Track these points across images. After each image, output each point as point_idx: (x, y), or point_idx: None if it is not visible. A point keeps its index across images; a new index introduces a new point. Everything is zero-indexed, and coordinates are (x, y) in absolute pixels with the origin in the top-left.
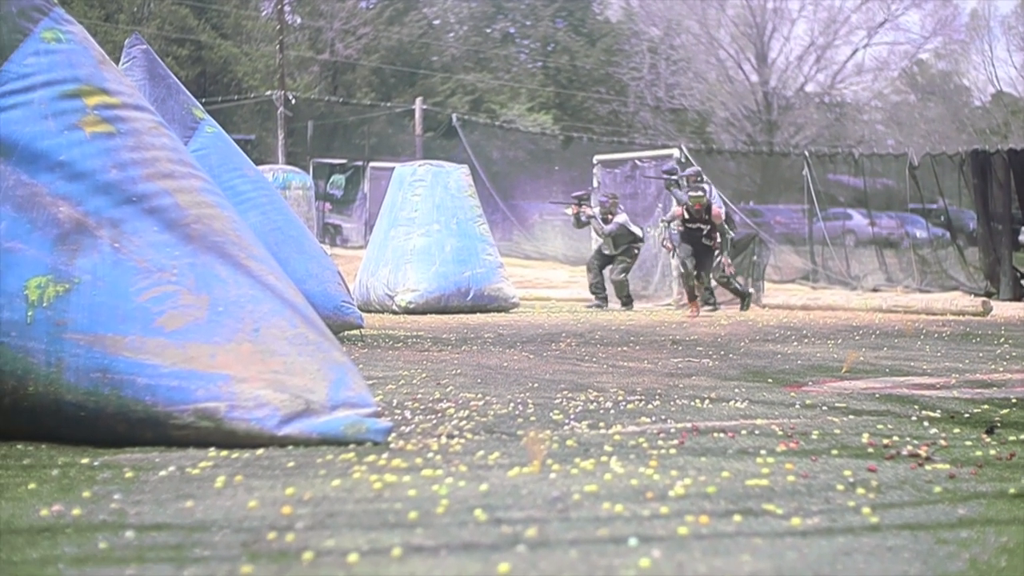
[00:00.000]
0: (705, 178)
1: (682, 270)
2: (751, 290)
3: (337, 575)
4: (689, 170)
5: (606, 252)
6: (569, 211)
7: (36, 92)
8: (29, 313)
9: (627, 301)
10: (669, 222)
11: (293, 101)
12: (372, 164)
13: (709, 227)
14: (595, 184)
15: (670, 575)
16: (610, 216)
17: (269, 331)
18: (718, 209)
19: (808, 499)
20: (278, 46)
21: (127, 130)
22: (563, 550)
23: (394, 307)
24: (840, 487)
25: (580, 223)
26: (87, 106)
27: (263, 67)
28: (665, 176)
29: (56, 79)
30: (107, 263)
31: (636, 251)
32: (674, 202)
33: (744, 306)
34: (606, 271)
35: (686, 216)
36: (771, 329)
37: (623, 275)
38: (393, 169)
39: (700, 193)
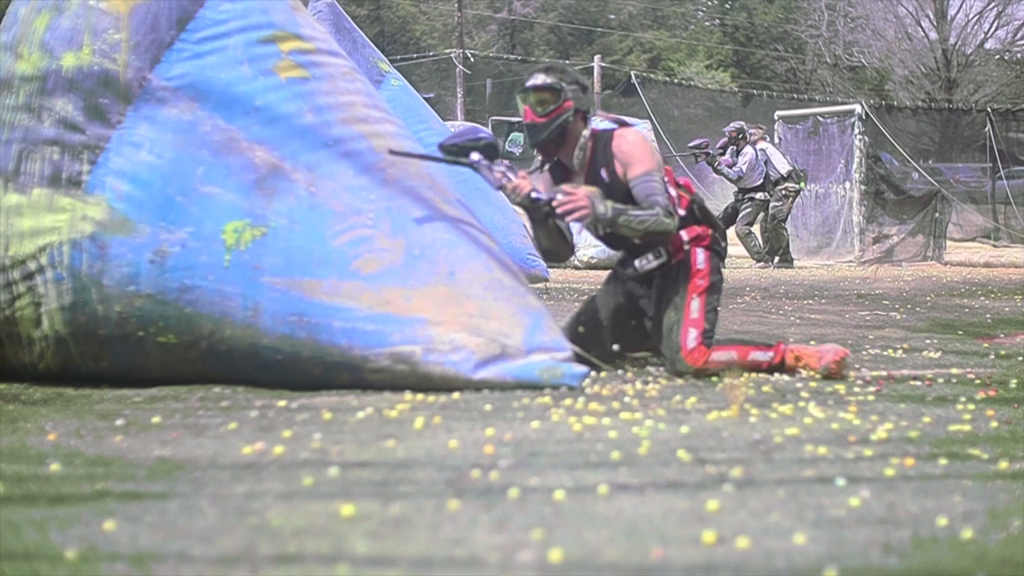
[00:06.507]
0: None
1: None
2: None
3: (545, 511)
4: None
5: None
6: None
7: (232, 38)
8: (226, 257)
9: (759, 256)
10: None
11: (472, 60)
12: None
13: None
14: (776, 140)
15: (881, 514)
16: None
17: (464, 275)
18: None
19: (1013, 444)
20: (456, 4)
21: (321, 75)
22: (770, 489)
23: (575, 262)
24: None
25: (717, 170)
26: (282, 51)
27: (441, 26)
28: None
29: (251, 25)
30: (303, 207)
31: (768, 196)
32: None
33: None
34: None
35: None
36: (955, 284)
37: (745, 225)
38: None
39: None
